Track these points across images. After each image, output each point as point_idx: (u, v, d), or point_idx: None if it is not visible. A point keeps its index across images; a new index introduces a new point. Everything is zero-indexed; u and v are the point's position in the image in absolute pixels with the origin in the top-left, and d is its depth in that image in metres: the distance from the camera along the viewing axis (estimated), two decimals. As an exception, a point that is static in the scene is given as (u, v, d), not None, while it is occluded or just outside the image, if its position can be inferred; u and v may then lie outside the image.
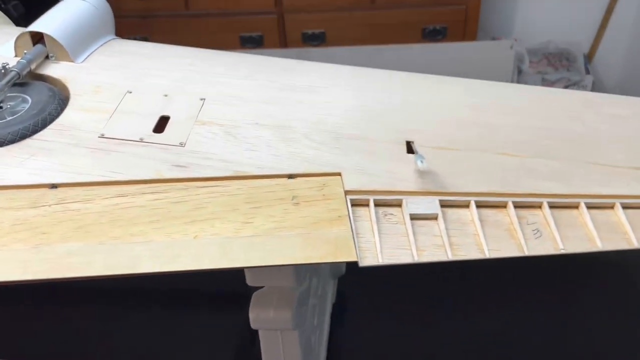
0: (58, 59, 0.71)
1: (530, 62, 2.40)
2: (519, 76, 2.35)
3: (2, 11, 0.96)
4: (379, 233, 0.53)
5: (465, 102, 0.70)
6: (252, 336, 0.68)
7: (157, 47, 0.78)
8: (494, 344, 0.90)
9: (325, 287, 0.88)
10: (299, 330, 0.62)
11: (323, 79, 0.72)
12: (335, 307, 0.96)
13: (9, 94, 0.65)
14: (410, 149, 0.61)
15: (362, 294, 1.00)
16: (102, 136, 0.61)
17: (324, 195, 0.56)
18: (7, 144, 0.60)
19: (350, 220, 0.54)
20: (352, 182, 0.57)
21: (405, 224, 0.54)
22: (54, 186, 0.56)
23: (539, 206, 0.57)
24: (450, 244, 0.53)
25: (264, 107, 0.66)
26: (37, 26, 0.70)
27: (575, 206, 0.57)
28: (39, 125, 0.61)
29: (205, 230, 0.52)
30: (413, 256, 0.52)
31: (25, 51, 0.70)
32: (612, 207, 0.57)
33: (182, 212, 0.54)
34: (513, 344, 0.90)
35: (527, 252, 0.53)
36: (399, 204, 0.56)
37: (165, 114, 0.64)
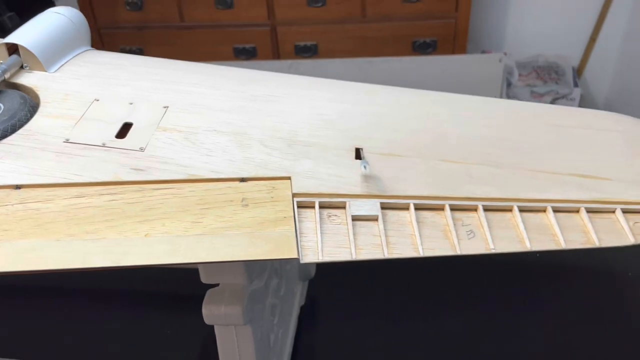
0: (32, 69, 0.75)
1: (520, 75, 2.42)
2: (508, 89, 2.37)
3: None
4: (322, 233, 0.57)
5: (424, 113, 0.73)
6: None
7: (128, 58, 0.81)
8: (465, 346, 0.92)
9: (293, 289, 0.91)
10: (253, 326, 0.65)
11: (283, 88, 0.75)
12: (305, 309, 0.98)
13: (-17, 102, 0.69)
14: (358, 155, 0.65)
15: (336, 297, 1.03)
16: (67, 141, 0.64)
17: (272, 197, 0.59)
18: (-23, 148, 0.63)
19: (295, 221, 0.57)
20: (301, 185, 0.61)
21: (347, 224, 0.58)
22: (18, 187, 0.59)
23: (474, 209, 0.60)
24: (388, 243, 0.56)
25: (224, 115, 0.69)
26: (12, 38, 0.74)
27: (509, 209, 0.60)
28: (9, 131, 0.65)
29: (156, 228, 0.55)
30: (352, 254, 0.56)
31: (1, 61, 0.74)
32: (544, 210, 0.60)
33: (135, 212, 0.57)
34: (486, 344, 0.93)
35: (459, 252, 0.56)
36: (343, 206, 0.59)
37: (129, 120, 0.67)
